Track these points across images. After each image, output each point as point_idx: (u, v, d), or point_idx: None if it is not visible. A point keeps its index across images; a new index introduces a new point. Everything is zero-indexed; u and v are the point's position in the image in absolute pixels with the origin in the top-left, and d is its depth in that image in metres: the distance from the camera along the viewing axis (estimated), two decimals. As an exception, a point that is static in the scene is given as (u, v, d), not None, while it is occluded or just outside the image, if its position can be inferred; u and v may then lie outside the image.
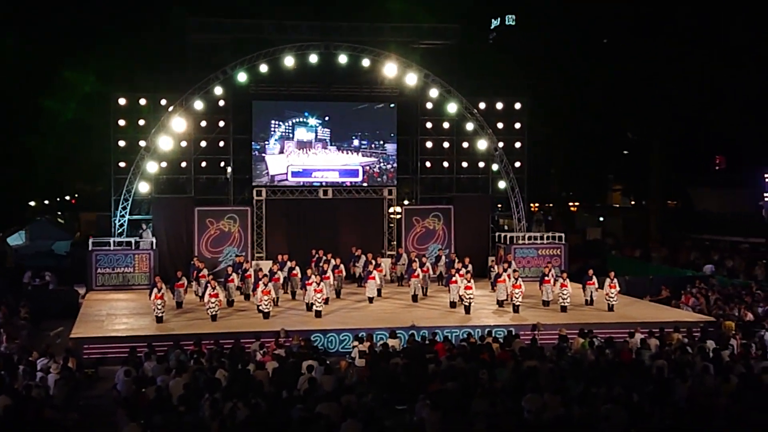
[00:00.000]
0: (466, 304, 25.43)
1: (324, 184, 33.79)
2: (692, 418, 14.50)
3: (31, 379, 16.83)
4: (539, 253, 33.35)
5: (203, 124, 32.77)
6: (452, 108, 33.18)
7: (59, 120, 33.43)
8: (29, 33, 32.48)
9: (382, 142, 34.09)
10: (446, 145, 35.01)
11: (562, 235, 34.62)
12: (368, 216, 34.45)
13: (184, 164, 32.99)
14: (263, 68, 31.52)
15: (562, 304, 25.84)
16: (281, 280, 27.49)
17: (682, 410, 14.96)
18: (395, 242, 34.52)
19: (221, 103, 32.69)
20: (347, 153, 33.86)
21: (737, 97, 40.73)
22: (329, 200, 33.94)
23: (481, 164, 35.12)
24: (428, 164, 35.33)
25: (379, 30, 33.51)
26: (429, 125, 34.80)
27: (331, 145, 33.70)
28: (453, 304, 26.34)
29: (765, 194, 51.03)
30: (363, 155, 33.99)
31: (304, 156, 33.52)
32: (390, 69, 32.12)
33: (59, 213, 56.66)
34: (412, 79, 32.54)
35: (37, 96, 33.32)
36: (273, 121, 33.30)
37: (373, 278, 27.72)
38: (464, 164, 35.20)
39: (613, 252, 40.72)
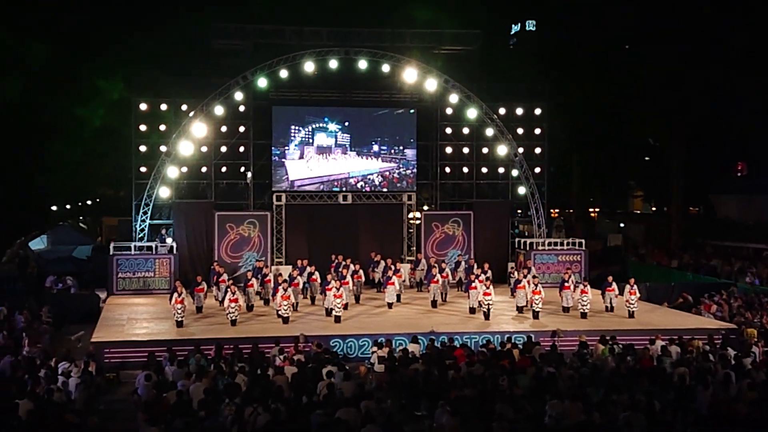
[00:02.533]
0: (486, 310, 25.38)
1: (344, 189, 33.87)
2: (714, 426, 14.41)
3: (52, 383, 16.92)
4: (559, 259, 33.22)
5: (224, 129, 32.92)
6: (472, 113, 33.18)
7: (87, 127, 33.62)
8: (56, 41, 32.69)
9: (401, 148, 34.11)
10: (466, 150, 34.98)
11: (583, 241, 34.50)
12: (388, 221, 34.48)
13: (204, 169, 33.17)
14: (283, 74, 31.67)
15: (582, 310, 25.74)
16: (301, 285, 27.56)
17: (704, 418, 14.86)
18: (415, 248, 34.51)
19: (242, 108, 32.86)
20: (367, 158, 33.91)
21: (759, 103, 40.44)
22: (349, 205, 33.99)
23: (501, 170, 35.09)
24: (448, 170, 35.34)
25: (400, 36, 33.56)
26: (449, 131, 34.80)
27: (351, 150, 33.76)
28: (472, 310, 26.32)
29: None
30: (383, 160, 34.03)
31: (324, 161, 33.60)
32: (410, 74, 32.17)
33: (81, 217, 57.03)
34: (432, 85, 32.58)
35: (61, 103, 33.54)
36: (293, 127, 33.40)
37: (393, 284, 27.72)
38: (484, 170, 35.18)
39: (633, 258, 40.43)
